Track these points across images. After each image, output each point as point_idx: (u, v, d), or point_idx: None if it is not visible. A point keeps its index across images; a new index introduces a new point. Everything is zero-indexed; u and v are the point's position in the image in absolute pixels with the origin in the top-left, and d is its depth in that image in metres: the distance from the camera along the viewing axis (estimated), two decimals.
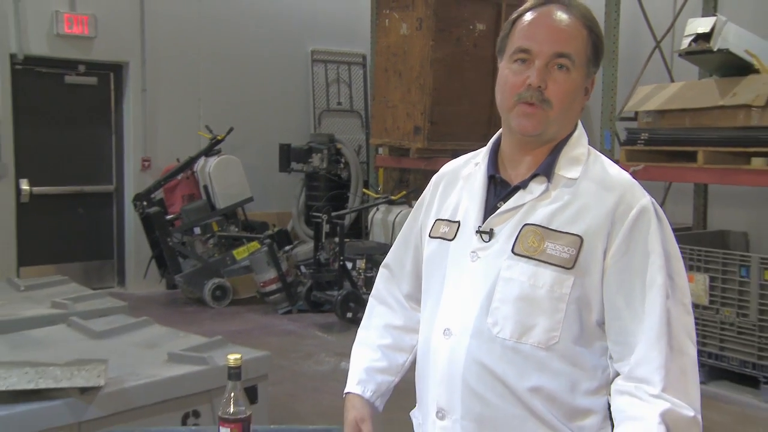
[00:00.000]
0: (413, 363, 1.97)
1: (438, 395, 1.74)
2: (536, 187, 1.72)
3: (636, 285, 1.64)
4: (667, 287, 1.64)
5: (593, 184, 1.70)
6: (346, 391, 1.99)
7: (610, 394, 1.69)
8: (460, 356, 1.70)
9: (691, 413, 1.59)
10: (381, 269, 2.12)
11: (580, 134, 1.78)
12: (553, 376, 1.67)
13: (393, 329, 2.03)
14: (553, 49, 1.68)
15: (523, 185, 1.73)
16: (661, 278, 1.63)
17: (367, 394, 1.96)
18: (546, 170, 1.72)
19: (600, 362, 1.70)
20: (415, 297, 2.00)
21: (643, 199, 1.68)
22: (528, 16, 1.73)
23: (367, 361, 2.00)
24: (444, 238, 1.82)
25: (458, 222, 1.81)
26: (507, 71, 1.73)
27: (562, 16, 1.70)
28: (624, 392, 1.63)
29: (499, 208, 1.74)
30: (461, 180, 1.87)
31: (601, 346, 1.69)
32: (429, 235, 1.88)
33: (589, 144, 1.80)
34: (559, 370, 1.67)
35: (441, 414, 1.73)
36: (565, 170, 1.72)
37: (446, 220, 1.84)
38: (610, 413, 1.70)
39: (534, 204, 1.71)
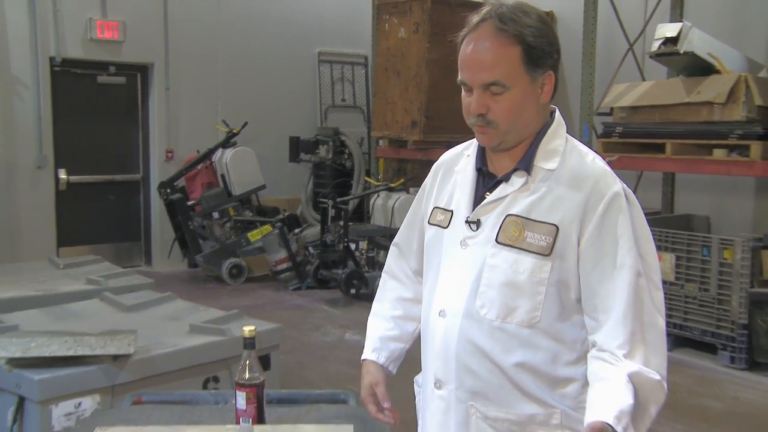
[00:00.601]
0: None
1: (436, 368, 1.75)
2: (517, 180, 1.70)
3: (607, 266, 1.63)
4: (638, 267, 1.63)
5: (569, 175, 1.67)
6: (362, 357, 1.99)
7: None
8: (453, 335, 1.71)
9: (657, 377, 1.60)
10: (392, 247, 2.09)
11: (558, 125, 1.75)
12: (536, 351, 1.67)
13: (404, 301, 2.01)
14: (482, 81, 1.64)
15: (506, 178, 1.72)
16: (630, 260, 1.62)
17: (381, 360, 1.96)
18: (526, 164, 1.70)
19: (580, 335, 1.70)
20: (422, 272, 1.97)
21: (614, 186, 1.66)
22: (464, 45, 1.68)
23: (381, 331, 1.99)
24: (440, 226, 1.81)
25: (451, 211, 1.79)
26: (462, 95, 1.72)
27: (485, 43, 1.63)
28: (597, 358, 1.63)
29: (486, 198, 1.74)
30: (455, 171, 1.85)
31: (579, 319, 1.69)
32: (428, 222, 1.86)
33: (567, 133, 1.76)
34: (541, 345, 1.67)
35: (438, 384, 1.75)
36: (544, 162, 1.69)
37: (442, 208, 1.83)
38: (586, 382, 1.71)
39: (516, 195, 1.69)
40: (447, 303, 1.74)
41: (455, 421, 1.72)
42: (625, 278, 1.62)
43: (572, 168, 1.69)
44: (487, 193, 1.74)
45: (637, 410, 1.56)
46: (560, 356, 1.68)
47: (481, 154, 1.79)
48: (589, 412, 1.57)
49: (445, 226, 1.79)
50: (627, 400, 1.54)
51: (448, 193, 1.84)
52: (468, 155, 1.84)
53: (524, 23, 1.63)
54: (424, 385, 1.83)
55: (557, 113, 1.77)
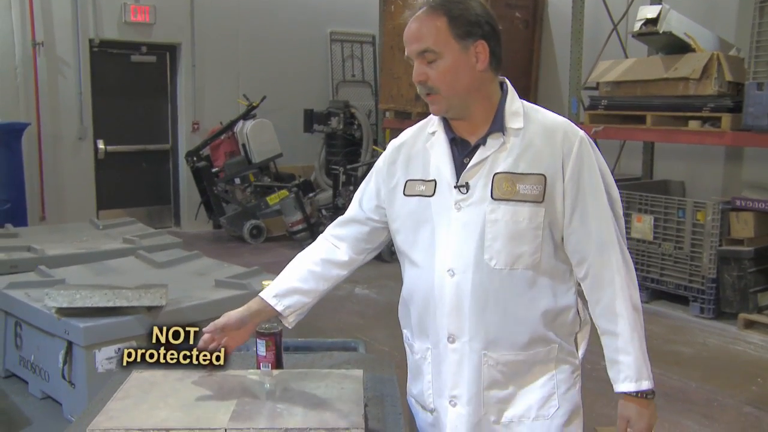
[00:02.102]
0: (328, 292, 1.92)
1: (448, 324, 1.72)
2: (494, 143, 1.70)
3: (587, 203, 1.67)
4: (607, 201, 1.69)
5: (539, 130, 1.69)
6: (260, 294, 1.88)
7: (578, 291, 1.76)
8: (466, 289, 1.69)
9: (638, 294, 1.71)
10: (336, 222, 1.96)
11: (512, 92, 1.75)
12: (541, 288, 1.70)
13: (327, 262, 1.90)
14: (416, 50, 1.67)
15: (482, 142, 1.71)
16: (603, 195, 1.68)
17: (279, 308, 1.85)
18: (499, 126, 1.70)
19: (567, 267, 1.74)
20: (364, 245, 1.91)
21: (579, 133, 1.70)
22: (405, 27, 1.71)
23: (291, 282, 1.88)
24: (423, 195, 1.75)
25: (434, 180, 1.74)
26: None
27: (419, 20, 1.67)
28: (597, 303, 1.70)
29: (466, 163, 1.71)
30: (424, 146, 1.80)
31: (563, 254, 1.72)
32: (404, 194, 1.79)
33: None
34: (543, 282, 1.70)
35: (452, 339, 1.72)
36: (512, 122, 1.70)
37: (419, 179, 1.77)
38: (578, 308, 1.77)
39: (496, 156, 1.69)
40: (455, 262, 1.70)
41: (468, 370, 1.72)
42: (602, 214, 1.68)
43: (538, 123, 1.71)
44: (466, 158, 1.73)
45: (642, 346, 1.69)
46: (558, 288, 1.72)
47: (449, 126, 1.77)
48: (614, 379, 1.72)
49: (430, 194, 1.74)
50: (633, 355, 1.68)
51: (421, 166, 1.78)
52: (431, 132, 1.80)
53: (452, 1, 1.66)
54: (434, 343, 1.77)
55: (508, 83, 1.77)
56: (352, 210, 1.95)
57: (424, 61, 1.67)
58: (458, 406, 1.74)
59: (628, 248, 1.74)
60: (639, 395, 1.68)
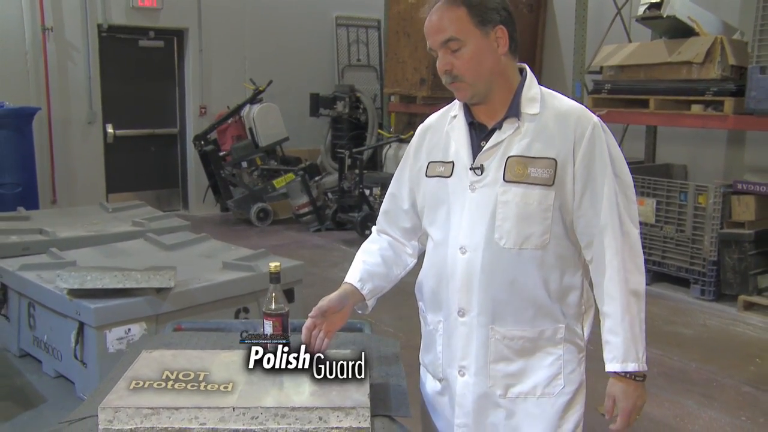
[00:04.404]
0: (402, 277, 1.96)
1: (459, 299, 1.77)
2: (509, 127, 1.73)
3: (596, 188, 1.70)
4: (616, 187, 1.71)
5: (553, 115, 1.73)
6: (346, 280, 1.90)
7: (584, 274, 1.79)
8: (476, 266, 1.74)
9: (641, 279, 1.73)
10: (381, 214, 2.01)
11: (531, 78, 1.78)
12: (548, 269, 1.74)
13: (396, 242, 1.97)
14: (440, 40, 1.70)
15: (498, 126, 1.74)
16: (611, 180, 1.70)
17: (365, 291, 1.88)
18: (515, 112, 1.73)
19: (576, 250, 1.77)
20: (412, 230, 1.95)
21: (593, 118, 1.73)
22: (426, 21, 1.74)
23: (369, 266, 1.91)
24: (441, 176, 1.81)
25: (452, 162, 1.79)
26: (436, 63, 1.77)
27: (439, 12, 1.71)
28: (598, 286, 1.73)
29: (483, 147, 1.75)
30: (445, 130, 1.85)
31: (574, 237, 1.76)
32: (426, 175, 1.85)
33: (542, 86, 1.80)
34: (552, 263, 1.74)
35: (461, 312, 1.77)
36: (528, 108, 1.73)
37: (440, 161, 1.82)
38: (583, 290, 1.80)
39: (510, 140, 1.72)
40: (466, 240, 1.75)
41: (477, 343, 1.77)
42: (610, 198, 1.70)
43: (554, 110, 1.73)
44: (483, 142, 1.76)
45: (634, 329, 1.71)
46: (566, 270, 1.76)
47: (469, 111, 1.80)
48: (605, 359, 1.74)
49: (448, 175, 1.79)
50: (621, 336, 1.71)
51: (442, 148, 1.83)
52: (453, 115, 1.85)
53: None
54: (446, 316, 1.83)
55: (527, 69, 1.81)
56: (389, 205, 1.99)
57: (448, 50, 1.70)
58: (466, 376, 1.79)
59: (640, 233, 1.76)
60: (627, 376, 1.71)
